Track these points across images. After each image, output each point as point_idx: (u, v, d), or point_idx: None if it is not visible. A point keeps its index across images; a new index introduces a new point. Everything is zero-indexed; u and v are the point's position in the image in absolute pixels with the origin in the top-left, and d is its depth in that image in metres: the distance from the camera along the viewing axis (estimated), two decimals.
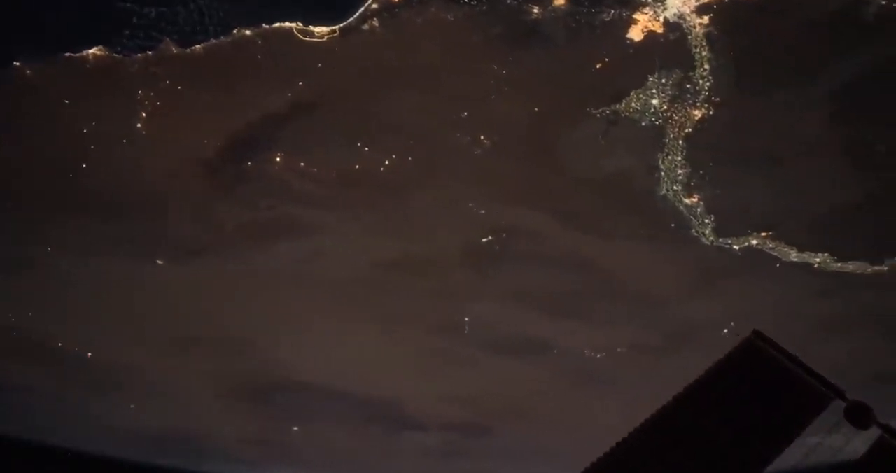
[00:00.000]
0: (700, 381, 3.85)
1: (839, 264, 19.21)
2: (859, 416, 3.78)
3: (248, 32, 13.60)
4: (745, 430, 3.69)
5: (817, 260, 18.99)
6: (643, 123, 14.81)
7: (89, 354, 19.50)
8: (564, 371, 22.76)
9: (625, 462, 3.62)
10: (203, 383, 20.86)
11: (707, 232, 18.35)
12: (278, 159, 16.46)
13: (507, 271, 19.97)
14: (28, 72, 14.17)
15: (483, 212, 17.92)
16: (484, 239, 18.77)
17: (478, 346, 21.59)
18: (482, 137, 15.17)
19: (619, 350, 22.81)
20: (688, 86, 13.92)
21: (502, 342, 21.55)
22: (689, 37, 12.92)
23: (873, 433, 3.82)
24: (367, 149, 15.83)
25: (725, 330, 21.68)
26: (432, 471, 24.64)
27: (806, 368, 3.85)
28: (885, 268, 19.30)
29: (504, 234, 18.68)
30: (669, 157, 15.76)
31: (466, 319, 21.18)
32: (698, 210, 17.75)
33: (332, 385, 21.56)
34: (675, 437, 3.71)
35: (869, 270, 19.36)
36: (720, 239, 18.67)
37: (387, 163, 16.28)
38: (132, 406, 20.96)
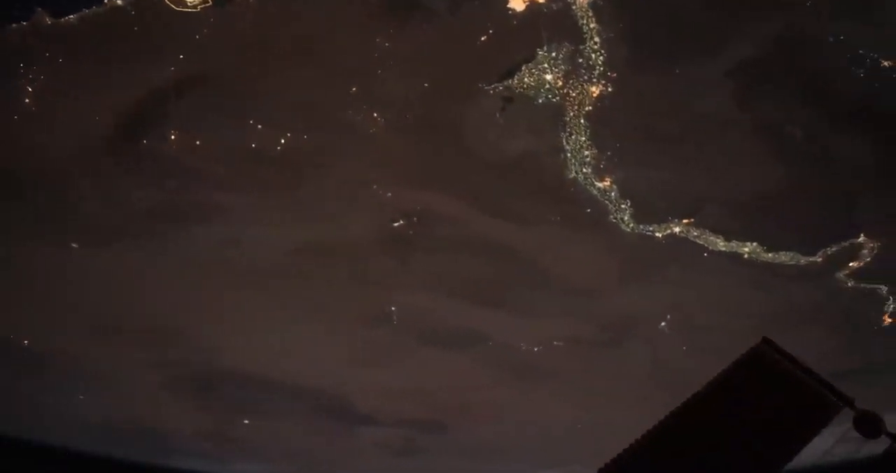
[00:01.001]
0: (707, 388, 3.87)
1: (770, 255, 18.62)
2: (869, 426, 3.78)
3: (119, 2, 13.25)
4: (753, 439, 3.70)
5: (746, 249, 18.41)
6: (540, 100, 14.30)
7: (25, 342, 19.49)
8: (505, 364, 22.47)
9: (630, 471, 3.60)
10: (144, 373, 20.78)
11: (626, 218, 17.84)
12: (173, 137, 16.18)
13: (426, 258, 19.64)
14: None
15: (389, 194, 17.58)
16: (395, 224, 18.37)
17: (412, 337, 21.36)
18: (375, 115, 14.75)
19: (555, 343, 22.45)
20: (580, 60, 13.40)
21: (436, 333, 21.30)
22: (574, 7, 12.38)
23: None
24: (259, 127, 15.47)
25: (663, 323, 21.23)
26: (395, 469, 24.48)
27: (815, 377, 3.87)
28: (819, 259, 18.68)
29: (415, 218, 18.28)
30: (573, 138, 15.24)
31: (393, 309, 20.89)
32: (612, 194, 17.24)
33: (274, 376, 21.50)
34: (681, 444, 3.73)
35: (802, 261, 18.77)
36: (640, 226, 18.15)
37: (283, 141, 15.95)
38: (81, 396, 20.96)
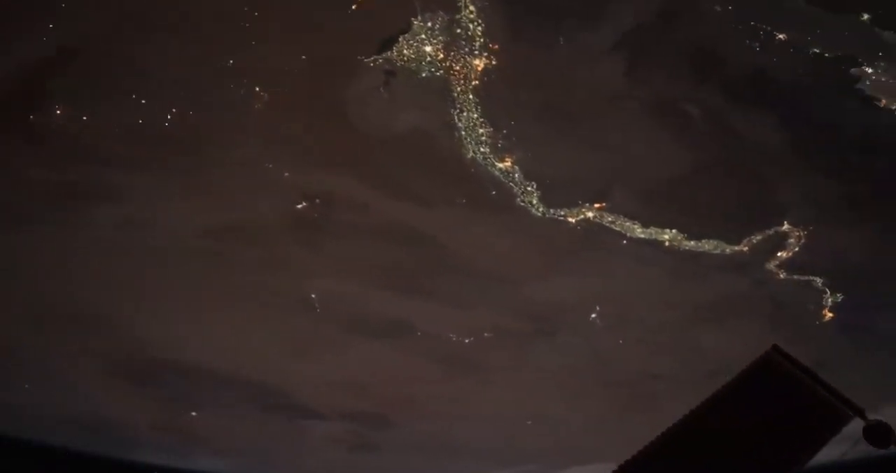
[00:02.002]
0: (716, 396, 3.90)
1: (692, 243, 18.13)
2: (879, 436, 3.79)
3: None
4: (762, 447, 3.75)
5: (666, 237, 17.94)
6: (423, 74, 13.94)
7: None
8: (438, 356, 22.26)
9: None
10: (81, 362, 20.81)
11: (534, 201, 17.44)
12: (59, 112, 16.01)
13: (337, 242, 19.42)
14: None
15: (287, 174, 17.31)
16: (299, 206, 18.14)
17: (339, 327, 21.18)
18: (257, 89, 14.48)
19: (486, 334, 22.18)
20: (458, 31, 13.00)
21: (362, 323, 21.12)
22: None
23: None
24: (143, 101, 15.25)
25: (594, 315, 20.88)
26: (352, 466, 24.42)
27: (825, 385, 3.89)
28: (745, 249, 18.17)
29: (317, 200, 18.04)
30: (465, 114, 14.87)
31: (314, 296, 20.72)
32: (516, 176, 16.84)
33: (210, 366, 21.42)
34: (688, 452, 3.79)
35: (728, 251, 18.26)
36: (551, 211, 17.73)
37: (169, 117, 15.72)
38: (26, 385, 21.07)
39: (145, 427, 23.19)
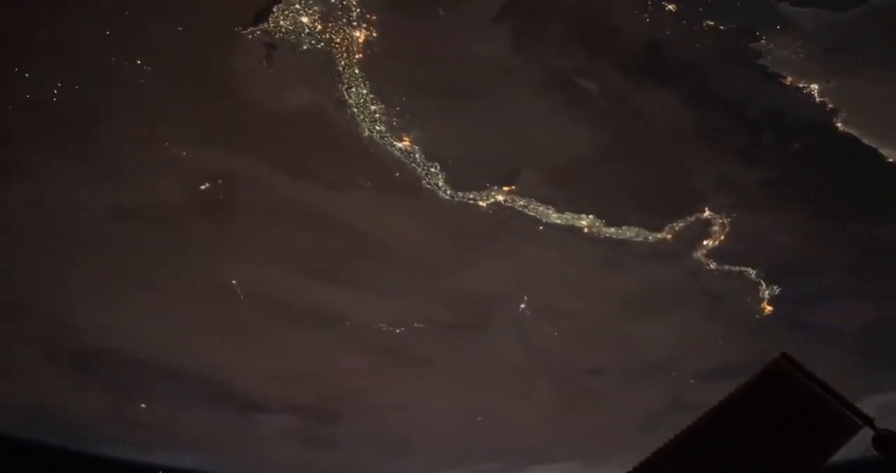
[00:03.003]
0: (724, 404, 3.87)
1: (613, 229, 17.75)
2: (889, 445, 3.80)
3: None
4: (769, 456, 3.77)
5: (584, 223, 17.57)
6: (304, 47, 13.63)
7: None
8: (372, 347, 22.11)
9: None
10: (20, 350, 20.90)
11: (440, 184, 17.12)
12: None
13: (248, 226, 19.22)
14: None
15: (185, 154, 17.10)
16: (202, 187, 17.97)
17: (266, 315, 21.07)
18: (139, 63, 14.25)
19: (416, 325, 22.03)
20: (332, 0, 12.66)
21: (288, 311, 20.98)
22: None
23: None
24: (27, 75, 15.09)
25: (522, 306, 20.64)
26: (306, 461, 24.45)
27: (835, 394, 3.88)
28: (669, 237, 17.78)
29: (219, 181, 17.84)
30: (353, 90, 14.55)
31: (234, 282, 20.63)
32: (417, 156, 16.52)
33: (143, 354, 21.40)
34: (696, 461, 3.76)
35: (651, 238, 17.87)
36: (460, 194, 17.42)
37: (56, 92, 15.54)
38: None
39: (95, 418, 23.22)
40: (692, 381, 22.88)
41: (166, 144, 17.10)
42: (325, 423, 23.71)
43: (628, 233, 17.56)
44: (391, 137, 15.71)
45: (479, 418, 24.18)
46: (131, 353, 21.48)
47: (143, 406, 23.05)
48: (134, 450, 23.94)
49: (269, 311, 21.25)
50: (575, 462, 26.22)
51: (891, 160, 15.48)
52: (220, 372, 22.18)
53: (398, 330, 21.95)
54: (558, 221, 17.46)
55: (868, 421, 3.81)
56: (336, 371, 22.78)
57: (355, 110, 15.13)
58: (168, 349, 21.52)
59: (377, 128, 15.47)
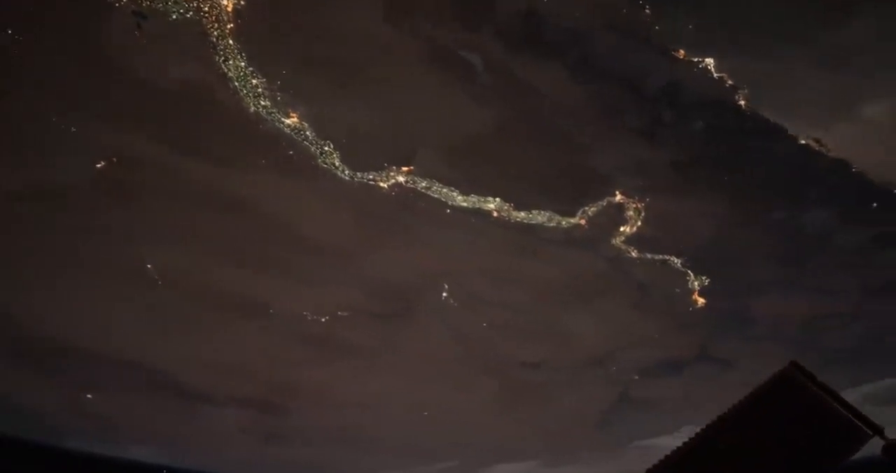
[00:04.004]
0: (734, 410, 4.04)
1: (522, 213, 17.35)
2: None
3: None
4: (779, 462, 3.89)
5: (491, 206, 17.18)
6: (174, 16, 13.34)
7: None
8: (300, 336, 21.98)
9: None
10: None
11: (336, 163, 16.80)
12: None
13: (153, 208, 19.05)
14: None
15: (74, 130, 16.91)
16: (98, 165, 17.81)
17: (186, 302, 20.97)
18: (10, 32, 14.04)
19: (340, 313, 21.84)
20: None
21: (210, 298, 20.85)
22: None
23: None
24: None
25: (445, 294, 20.38)
26: (265, 457, 24.44)
27: (844, 403, 3.97)
28: (582, 222, 17.36)
29: (115, 159, 17.65)
30: (231, 63, 14.24)
31: (150, 266, 20.52)
32: (308, 134, 16.19)
33: (79, 344, 21.39)
34: (707, 466, 3.92)
35: (563, 223, 17.45)
36: (359, 175, 17.10)
37: None
38: None
39: (41, 407, 23.24)
40: (636, 377, 22.47)
41: (54, 120, 16.87)
42: (274, 417, 23.59)
43: (539, 217, 17.14)
44: (278, 113, 15.39)
45: (426, 413, 23.93)
46: (66, 341, 21.39)
47: (88, 396, 22.99)
48: (85, 441, 23.92)
49: (190, 297, 21.09)
50: (537, 460, 25.97)
51: (803, 141, 14.93)
52: (159, 362, 22.09)
53: (324, 319, 21.72)
54: (465, 204, 17.08)
55: (878, 431, 3.86)
56: (273, 361, 22.61)
57: (237, 84, 14.83)
58: (101, 336, 21.43)
59: (262, 103, 15.15)
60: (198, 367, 22.03)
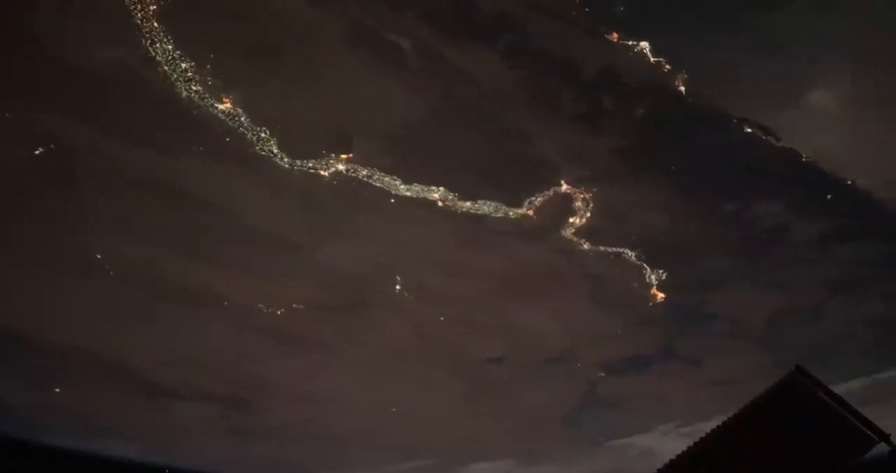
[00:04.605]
0: (739, 415, 4.25)
1: (468, 203, 17.13)
2: None
3: None
4: (785, 467, 4.10)
5: (436, 196, 16.97)
6: None
7: None
8: (257, 328, 21.83)
9: None
10: None
11: (275, 150, 16.60)
12: None
13: (92, 195, 18.90)
14: None
15: (7, 114, 16.79)
16: (36, 152, 17.69)
17: (140, 293, 20.86)
18: None
19: (294, 306, 21.71)
20: None
21: (159, 288, 20.72)
22: None
23: None
24: None
25: (398, 287, 20.22)
26: (238, 451, 24.44)
27: (850, 409, 4.19)
28: (530, 213, 17.14)
29: (52, 146, 17.53)
30: (158, 46, 14.03)
31: (99, 256, 20.42)
32: (242, 119, 15.99)
33: (39, 335, 21.35)
34: (712, 468, 4.07)
35: (511, 214, 17.23)
36: (299, 163, 16.90)
37: None
38: None
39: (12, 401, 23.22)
40: (602, 374, 22.24)
41: None
42: (240, 412, 23.49)
43: (485, 207, 16.91)
44: (210, 98, 15.18)
45: (394, 409, 23.80)
46: (21, 332, 21.31)
47: (57, 390, 22.95)
48: (56, 435, 23.89)
49: (142, 288, 20.94)
50: (513, 459, 25.85)
51: (748, 130, 14.64)
52: (117, 354, 21.97)
53: (279, 312, 21.58)
54: (408, 193, 16.87)
55: (884, 437, 4.12)
56: (233, 355, 22.48)
57: (166, 68, 14.61)
58: (59, 327, 21.32)
59: (194, 88, 14.95)
60: (158, 360, 21.94)
